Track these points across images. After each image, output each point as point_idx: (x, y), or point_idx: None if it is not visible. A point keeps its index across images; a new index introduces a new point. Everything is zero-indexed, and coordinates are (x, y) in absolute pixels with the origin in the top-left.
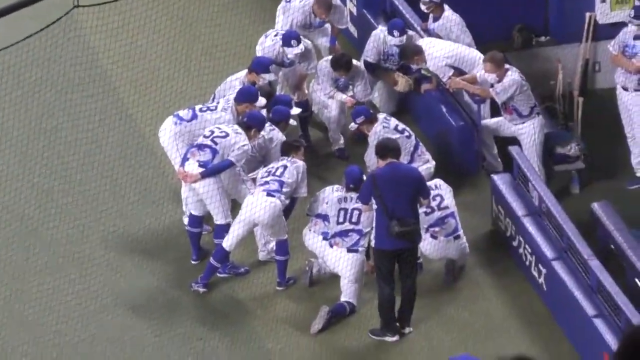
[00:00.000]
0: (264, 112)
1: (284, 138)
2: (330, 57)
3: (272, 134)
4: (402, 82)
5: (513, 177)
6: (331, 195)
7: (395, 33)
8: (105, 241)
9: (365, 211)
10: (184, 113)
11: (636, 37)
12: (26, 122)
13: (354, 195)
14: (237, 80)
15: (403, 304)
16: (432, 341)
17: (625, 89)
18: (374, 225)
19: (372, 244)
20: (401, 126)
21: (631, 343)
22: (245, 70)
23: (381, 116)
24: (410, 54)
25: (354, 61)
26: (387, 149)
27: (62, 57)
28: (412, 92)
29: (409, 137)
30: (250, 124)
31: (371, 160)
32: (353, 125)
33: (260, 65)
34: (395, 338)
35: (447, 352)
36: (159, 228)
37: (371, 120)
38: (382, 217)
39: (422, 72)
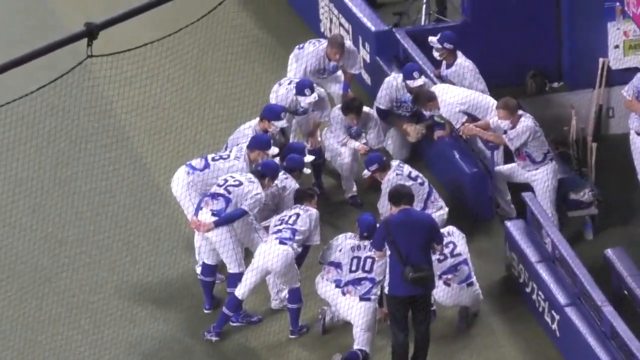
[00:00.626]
0: (277, 160)
1: (297, 186)
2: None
3: (286, 182)
4: (413, 132)
5: (526, 223)
6: (344, 242)
7: (416, 75)
8: (119, 291)
9: (379, 257)
10: (197, 162)
11: None
12: (40, 173)
13: (367, 243)
14: (249, 128)
15: (417, 351)
16: None
17: (638, 133)
18: (387, 272)
19: (386, 290)
20: (414, 173)
21: None
22: (257, 119)
23: (394, 163)
24: (423, 99)
25: (367, 108)
26: (400, 195)
27: (75, 107)
28: (425, 139)
29: (422, 184)
30: (264, 173)
31: (384, 207)
32: (366, 173)
33: (271, 113)
34: None
35: None
36: (173, 277)
37: (384, 167)
38: (396, 263)
39: (436, 118)
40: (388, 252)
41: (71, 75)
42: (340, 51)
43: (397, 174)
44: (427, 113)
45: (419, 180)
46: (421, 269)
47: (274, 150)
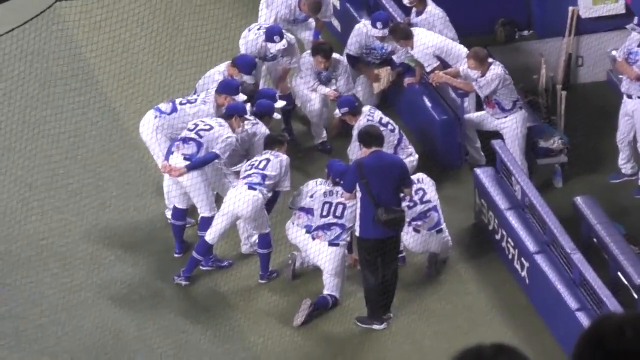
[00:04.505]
0: (247, 106)
1: (267, 132)
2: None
3: (256, 127)
4: (385, 75)
5: (496, 170)
6: (315, 188)
7: (379, 25)
8: (88, 234)
9: (348, 199)
10: (165, 106)
11: None
12: (9, 116)
13: (339, 189)
14: (218, 73)
15: (385, 291)
16: (414, 334)
17: (629, 96)
18: (357, 215)
19: (357, 233)
20: (385, 119)
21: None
22: (226, 63)
23: (366, 109)
24: (400, 34)
25: (337, 55)
26: (370, 136)
27: (45, 51)
28: (395, 86)
29: (392, 130)
30: (230, 112)
31: (355, 154)
32: (337, 113)
33: (245, 65)
34: (383, 326)
35: (429, 344)
36: (142, 221)
37: (355, 112)
38: (368, 204)
39: (407, 61)
40: (359, 194)
41: (40, 19)
42: (315, 12)
43: (368, 120)
44: (396, 58)
45: (390, 127)
46: (394, 211)
47: (242, 96)
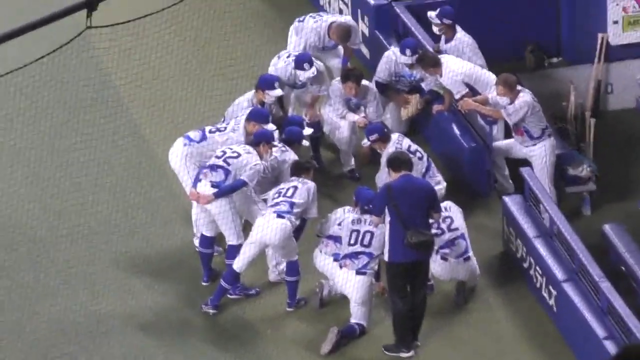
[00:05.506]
0: (276, 134)
1: (296, 159)
2: None
3: (285, 155)
4: (414, 101)
5: (524, 198)
6: (343, 216)
7: (408, 52)
8: (117, 262)
9: (377, 223)
10: (194, 134)
11: None
12: (39, 143)
13: (367, 217)
14: (246, 101)
15: (413, 318)
16: None
17: None
18: (386, 240)
19: (386, 258)
20: (414, 147)
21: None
22: (253, 91)
23: (394, 137)
24: (428, 62)
25: (366, 82)
26: (399, 161)
27: (74, 78)
28: (424, 113)
29: (421, 158)
30: (258, 139)
31: (383, 181)
32: (366, 142)
33: (265, 83)
34: (410, 354)
35: None
36: (170, 249)
37: (384, 139)
38: (398, 227)
39: (435, 89)
40: (387, 219)
41: (70, 47)
42: (344, 41)
43: (396, 148)
44: (425, 85)
45: (418, 155)
46: (423, 234)
47: (272, 125)
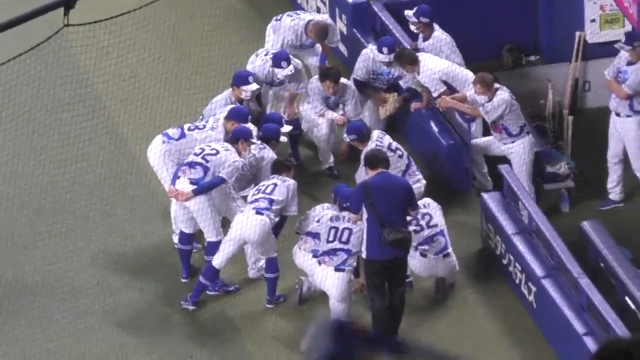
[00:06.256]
0: (254, 130)
1: (274, 156)
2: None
3: (263, 152)
4: (392, 100)
5: (503, 195)
6: (322, 213)
7: (385, 50)
8: (95, 259)
9: (355, 221)
10: (173, 132)
11: (629, 64)
12: (16, 142)
13: (346, 214)
14: (223, 99)
15: (392, 315)
16: None
17: (617, 114)
18: (364, 238)
19: (364, 255)
20: (394, 145)
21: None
22: (230, 89)
23: (375, 134)
24: (406, 59)
25: (344, 80)
26: (377, 159)
27: (52, 77)
28: (402, 111)
29: (401, 156)
30: (236, 136)
31: (362, 179)
32: (346, 138)
33: (239, 79)
34: None
35: None
36: (149, 246)
37: (363, 139)
38: (375, 225)
39: (413, 86)
40: (365, 216)
41: (47, 45)
42: (321, 40)
43: (377, 145)
44: (403, 82)
45: (399, 153)
46: (400, 231)
47: (251, 125)
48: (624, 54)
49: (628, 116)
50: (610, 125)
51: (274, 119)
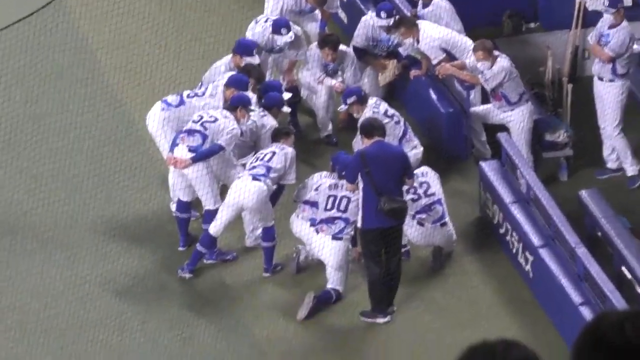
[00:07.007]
0: (254, 98)
1: (275, 124)
2: None
3: (264, 120)
4: (391, 66)
5: (501, 164)
6: (320, 181)
7: (383, 14)
8: (94, 226)
9: (350, 190)
10: (172, 99)
11: (611, 26)
12: (14, 108)
13: (344, 182)
14: (223, 65)
15: (389, 283)
16: (418, 327)
17: (600, 78)
18: (360, 206)
19: (359, 224)
20: (391, 111)
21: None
22: (230, 55)
23: (371, 101)
24: (405, 27)
25: (344, 47)
26: (372, 127)
27: (50, 43)
28: (401, 78)
29: (397, 122)
30: (235, 103)
31: (360, 145)
32: (343, 107)
33: (243, 48)
34: (387, 319)
35: (433, 337)
36: (148, 214)
37: (362, 101)
38: (371, 194)
39: (412, 54)
40: (361, 185)
41: (46, 11)
42: (321, 4)
43: (373, 112)
44: (402, 50)
45: (395, 119)
46: (396, 201)
47: (251, 93)
48: (607, 17)
49: (611, 80)
50: (595, 91)
51: (274, 87)
